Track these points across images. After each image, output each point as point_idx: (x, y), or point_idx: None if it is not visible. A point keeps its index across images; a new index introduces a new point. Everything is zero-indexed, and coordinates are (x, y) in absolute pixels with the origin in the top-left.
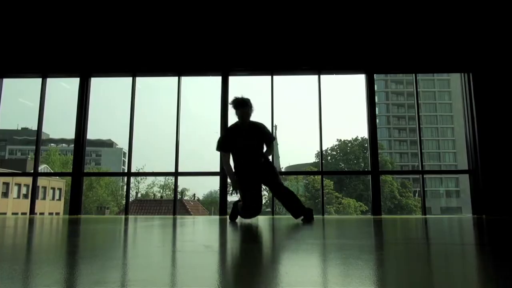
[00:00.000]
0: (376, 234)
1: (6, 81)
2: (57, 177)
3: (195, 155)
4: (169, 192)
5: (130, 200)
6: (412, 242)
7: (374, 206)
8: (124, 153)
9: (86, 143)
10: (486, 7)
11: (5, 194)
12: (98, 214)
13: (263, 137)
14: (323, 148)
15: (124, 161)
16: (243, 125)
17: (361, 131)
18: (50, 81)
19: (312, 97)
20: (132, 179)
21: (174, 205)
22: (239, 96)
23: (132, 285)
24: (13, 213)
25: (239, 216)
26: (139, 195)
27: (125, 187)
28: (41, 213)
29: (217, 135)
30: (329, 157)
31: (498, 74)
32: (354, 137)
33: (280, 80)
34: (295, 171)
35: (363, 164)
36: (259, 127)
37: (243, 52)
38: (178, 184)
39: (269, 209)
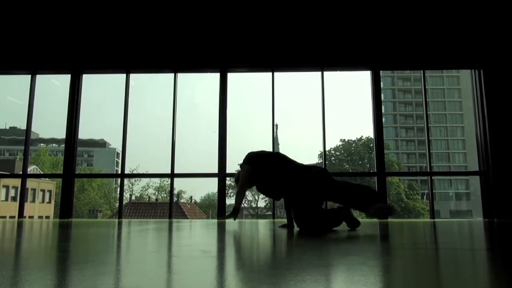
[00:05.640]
0: (382, 238)
1: None
2: (47, 179)
3: (192, 156)
4: (165, 195)
5: (124, 202)
6: (419, 247)
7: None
8: (118, 154)
9: (77, 143)
10: (498, 0)
11: None
12: (90, 217)
13: None
14: (327, 148)
15: (117, 162)
16: None
17: (366, 131)
18: (39, 78)
19: (315, 95)
20: (126, 180)
21: (170, 208)
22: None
23: None
24: (1, 217)
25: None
26: (133, 197)
27: (118, 189)
28: (30, 217)
29: (216, 134)
30: (332, 158)
31: (511, 70)
32: (358, 137)
33: (282, 77)
34: None
35: (368, 165)
36: None
37: (242, 47)
38: (174, 186)
39: (269, 213)
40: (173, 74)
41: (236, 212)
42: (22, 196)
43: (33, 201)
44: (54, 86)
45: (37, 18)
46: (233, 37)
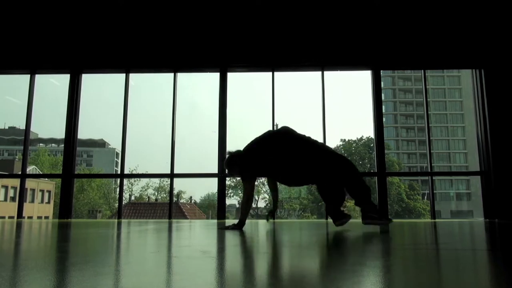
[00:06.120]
0: (383, 239)
1: None
2: (46, 179)
3: (192, 156)
4: (164, 195)
5: (123, 203)
6: (420, 247)
7: (380, 210)
8: (117, 154)
9: (76, 143)
10: (498, 0)
11: None
12: (89, 217)
13: None
14: None
15: (117, 162)
16: None
17: (367, 131)
18: (39, 77)
19: (315, 94)
20: (125, 181)
21: (170, 209)
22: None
23: None
24: None
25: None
26: (132, 197)
27: (118, 189)
28: (30, 217)
29: (216, 134)
30: None
31: (511, 70)
32: (359, 137)
33: (282, 76)
34: None
35: (369, 165)
36: None
37: (242, 47)
38: (174, 186)
39: None
40: (172, 74)
41: (242, 225)
42: (21, 196)
43: (32, 201)
44: (53, 85)
45: (36, 18)
46: (233, 36)
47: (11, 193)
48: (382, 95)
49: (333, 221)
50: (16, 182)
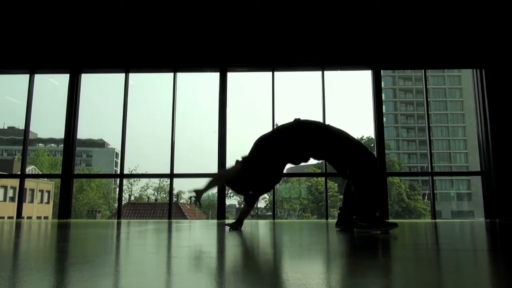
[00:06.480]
0: (383, 239)
1: None
2: (46, 179)
3: (192, 156)
4: (164, 195)
5: (123, 203)
6: (420, 247)
7: (380, 210)
8: (117, 154)
9: (76, 143)
10: (499, 0)
11: None
12: (89, 218)
13: None
14: None
15: (116, 162)
16: None
17: (367, 131)
18: (38, 77)
19: (315, 94)
20: (125, 181)
21: (169, 209)
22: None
23: None
24: None
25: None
26: (132, 198)
27: (117, 189)
28: (29, 217)
29: (215, 134)
30: None
31: None
32: (359, 137)
33: (282, 76)
34: (297, 173)
35: None
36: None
37: (242, 46)
38: (174, 186)
39: (269, 213)
40: (172, 74)
41: (240, 223)
42: (21, 197)
43: (32, 201)
44: (52, 85)
45: (35, 17)
46: (233, 36)
47: (10, 193)
48: (383, 95)
49: (367, 227)
50: (16, 182)
